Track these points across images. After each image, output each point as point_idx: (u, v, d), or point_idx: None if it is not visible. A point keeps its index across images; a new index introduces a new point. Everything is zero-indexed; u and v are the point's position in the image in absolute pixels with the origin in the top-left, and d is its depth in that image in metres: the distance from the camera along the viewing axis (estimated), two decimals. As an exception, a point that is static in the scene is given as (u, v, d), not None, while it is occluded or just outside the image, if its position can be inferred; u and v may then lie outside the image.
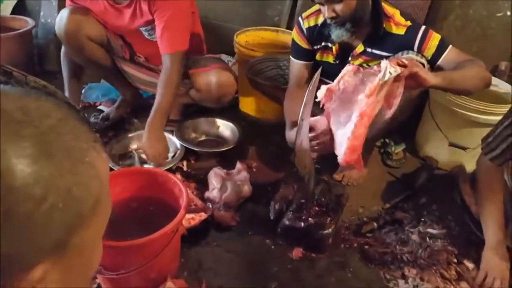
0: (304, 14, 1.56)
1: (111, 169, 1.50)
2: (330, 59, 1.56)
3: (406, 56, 1.38)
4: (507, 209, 1.51)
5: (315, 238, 1.35)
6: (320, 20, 1.51)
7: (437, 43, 1.38)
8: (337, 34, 1.41)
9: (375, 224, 1.44)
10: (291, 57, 1.63)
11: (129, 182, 1.26)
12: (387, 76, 1.07)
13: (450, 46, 1.40)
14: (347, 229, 1.46)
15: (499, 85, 1.94)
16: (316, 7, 1.50)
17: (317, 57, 1.60)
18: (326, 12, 1.35)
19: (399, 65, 1.10)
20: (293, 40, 1.60)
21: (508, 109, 1.33)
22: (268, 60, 1.79)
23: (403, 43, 1.40)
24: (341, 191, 1.54)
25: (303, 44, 1.57)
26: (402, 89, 1.13)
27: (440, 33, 2.20)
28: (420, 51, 1.39)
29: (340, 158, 1.22)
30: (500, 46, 2.16)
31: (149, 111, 2.01)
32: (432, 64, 1.39)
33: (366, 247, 1.37)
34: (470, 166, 1.78)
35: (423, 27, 1.41)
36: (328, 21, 1.39)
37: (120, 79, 1.93)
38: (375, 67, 1.13)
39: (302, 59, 1.60)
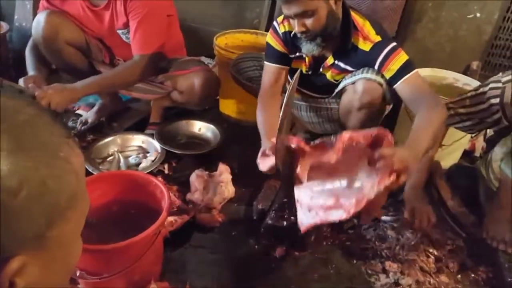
0: (279, 19, 1.51)
1: (91, 174, 1.48)
2: (303, 68, 1.54)
3: (367, 77, 1.36)
4: (483, 201, 1.58)
5: (297, 236, 1.36)
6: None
7: (399, 66, 1.32)
8: (308, 48, 1.37)
9: (355, 220, 1.47)
10: (265, 62, 1.56)
11: (109, 186, 1.25)
12: (375, 192, 0.97)
13: (415, 71, 1.32)
14: (329, 227, 1.48)
15: (471, 84, 2.00)
16: None
17: (292, 65, 1.57)
18: (296, 26, 1.31)
19: (391, 172, 0.98)
20: (268, 44, 1.53)
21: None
22: (251, 59, 1.79)
23: (366, 60, 1.38)
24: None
25: (279, 47, 1.51)
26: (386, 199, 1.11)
27: (414, 35, 2.30)
28: (380, 70, 1.36)
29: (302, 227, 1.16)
30: (471, 47, 2.25)
31: (128, 115, 2.03)
32: (390, 84, 1.37)
33: (348, 243, 1.40)
34: (445, 162, 1.83)
35: (392, 45, 1.35)
36: (299, 34, 1.35)
37: (99, 83, 1.91)
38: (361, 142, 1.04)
39: (278, 63, 1.53)
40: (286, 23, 1.48)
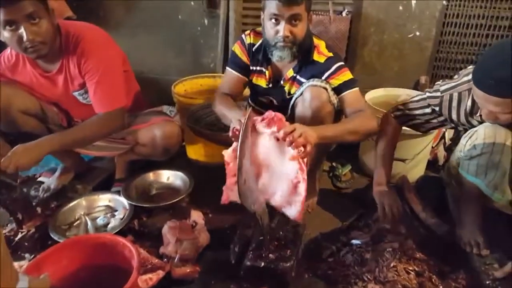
0: (247, 31, 1.64)
1: (57, 242, 1.42)
2: (263, 83, 1.65)
3: (312, 84, 1.47)
4: (452, 208, 1.61)
5: (278, 273, 1.33)
6: (257, 43, 1.60)
7: (345, 79, 1.49)
8: (280, 54, 1.48)
9: (333, 247, 1.46)
10: (227, 67, 1.69)
11: (75, 253, 1.20)
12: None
13: (356, 88, 1.51)
14: (308, 258, 1.46)
15: (423, 98, 2.11)
16: (260, 29, 1.58)
17: (253, 80, 1.67)
18: (282, 30, 1.41)
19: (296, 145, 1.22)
20: (234, 52, 1.67)
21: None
22: (206, 107, 1.83)
23: (318, 71, 1.51)
24: (298, 222, 1.55)
25: (243, 57, 1.64)
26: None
27: (362, 59, 2.43)
28: (327, 79, 1.50)
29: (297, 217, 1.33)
30: (417, 63, 2.39)
31: (93, 175, 1.98)
32: (336, 93, 1.50)
33: (329, 272, 1.38)
34: (412, 175, 1.88)
35: (341, 62, 1.53)
36: (275, 40, 1.45)
37: (58, 147, 1.87)
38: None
39: (239, 72, 1.67)
40: (252, 35, 1.62)
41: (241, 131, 1.10)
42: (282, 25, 1.42)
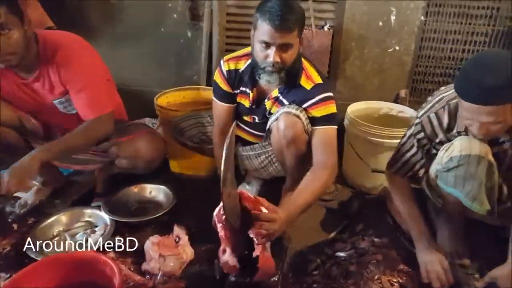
0: (226, 57, 1.58)
1: (34, 260, 1.37)
2: (247, 103, 1.60)
3: (286, 111, 1.44)
4: (434, 219, 1.64)
5: (263, 288, 1.32)
6: (242, 66, 1.54)
7: (326, 113, 1.44)
8: (268, 79, 1.42)
9: (318, 260, 1.46)
10: (214, 98, 1.65)
11: (54, 272, 1.16)
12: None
13: (335, 126, 1.46)
14: (294, 272, 1.45)
15: (404, 111, 2.15)
16: (239, 52, 1.56)
17: (237, 99, 1.63)
18: (272, 56, 1.35)
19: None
20: (215, 82, 1.61)
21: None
22: (190, 118, 1.81)
23: (302, 97, 1.46)
24: (282, 234, 1.55)
25: (224, 87, 1.59)
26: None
27: (344, 73, 2.47)
28: (307, 108, 1.45)
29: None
30: (396, 77, 2.45)
31: (72, 189, 1.93)
32: (311, 123, 1.46)
33: (315, 285, 1.37)
34: (394, 187, 1.90)
35: (329, 93, 1.46)
36: (264, 64, 1.39)
37: (36, 160, 1.81)
38: None
39: (225, 102, 1.62)
40: (231, 62, 1.56)
41: (225, 145, 1.10)
42: (272, 51, 1.34)
